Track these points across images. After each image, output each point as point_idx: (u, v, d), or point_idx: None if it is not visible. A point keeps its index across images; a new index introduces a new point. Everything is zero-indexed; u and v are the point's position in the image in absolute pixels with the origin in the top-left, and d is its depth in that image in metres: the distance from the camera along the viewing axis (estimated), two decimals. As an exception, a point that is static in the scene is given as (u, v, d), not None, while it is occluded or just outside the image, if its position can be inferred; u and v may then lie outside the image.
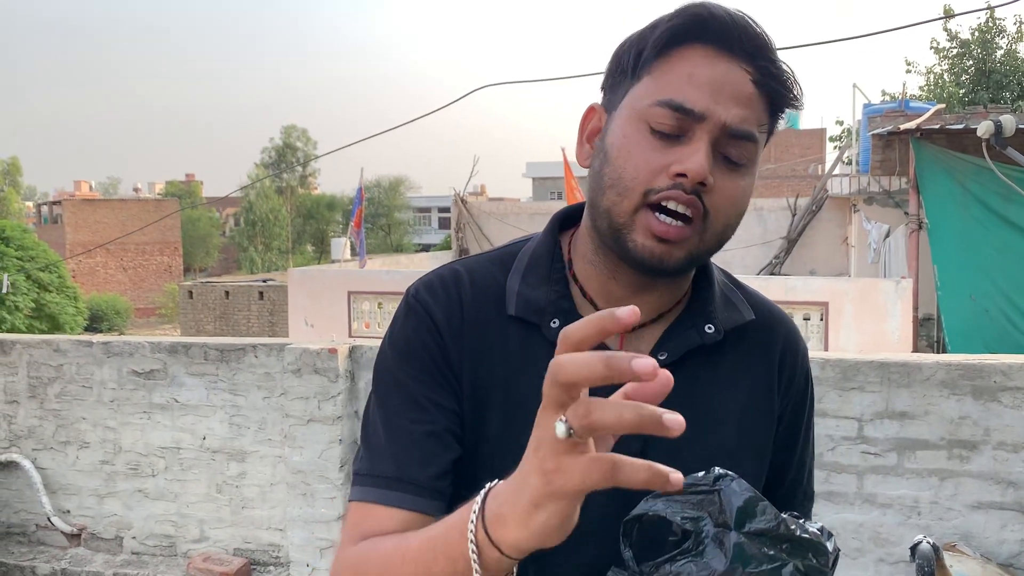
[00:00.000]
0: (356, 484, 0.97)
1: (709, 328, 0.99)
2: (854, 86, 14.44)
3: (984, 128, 2.89)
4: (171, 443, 4.45)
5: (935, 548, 1.71)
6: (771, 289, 9.05)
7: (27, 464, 4.59)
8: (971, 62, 19.68)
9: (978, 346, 8.35)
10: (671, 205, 0.89)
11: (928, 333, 10.85)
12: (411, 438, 0.96)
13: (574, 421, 0.62)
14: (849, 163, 15.80)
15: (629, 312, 0.62)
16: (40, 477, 4.59)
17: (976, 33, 19.64)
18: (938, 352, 10.26)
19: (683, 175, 0.87)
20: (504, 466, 0.96)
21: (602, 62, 1.03)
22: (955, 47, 19.82)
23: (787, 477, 1.08)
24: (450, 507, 0.98)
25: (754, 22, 0.91)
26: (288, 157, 49.31)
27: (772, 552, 0.77)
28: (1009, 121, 2.89)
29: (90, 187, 56.58)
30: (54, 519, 4.58)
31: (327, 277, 12.53)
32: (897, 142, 11.13)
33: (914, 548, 1.78)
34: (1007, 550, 3.45)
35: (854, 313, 9.62)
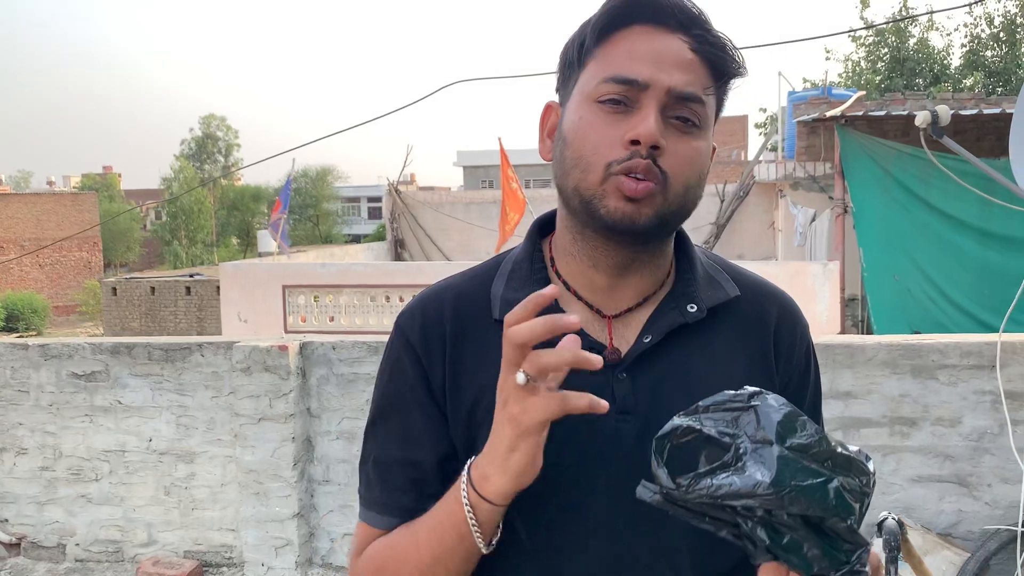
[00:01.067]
0: (360, 504, 1.08)
1: (691, 307, 1.02)
2: (779, 74, 14.80)
3: (922, 118, 3.00)
4: (115, 446, 4.34)
5: (900, 524, 1.79)
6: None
7: (-39, 473, 4.41)
8: (886, 50, 20.32)
9: (902, 325, 8.67)
10: (632, 174, 0.93)
11: (853, 313, 11.22)
12: (398, 466, 1.04)
13: (529, 368, 0.81)
14: (774, 149, 16.20)
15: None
16: (-25, 486, 4.42)
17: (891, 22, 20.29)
18: (863, 331, 10.63)
19: (636, 141, 0.92)
20: None
21: (551, 53, 1.09)
22: (871, 35, 20.45)
23: None
24: None
25: None
26: (209, 147, 48.13)
27: (816, 467, 0.74)
28: (944, 111, 3.00)
29: (0, 181, 54.17)
30: (-8, 529, 4.42)
31: (260, 271, 12.31)
32: (822, 128, 11.45)
33: (880, 524, 1.87)
34: (945, 520, 3.63)
35: (784, 295, 9.89)
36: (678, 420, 0.78)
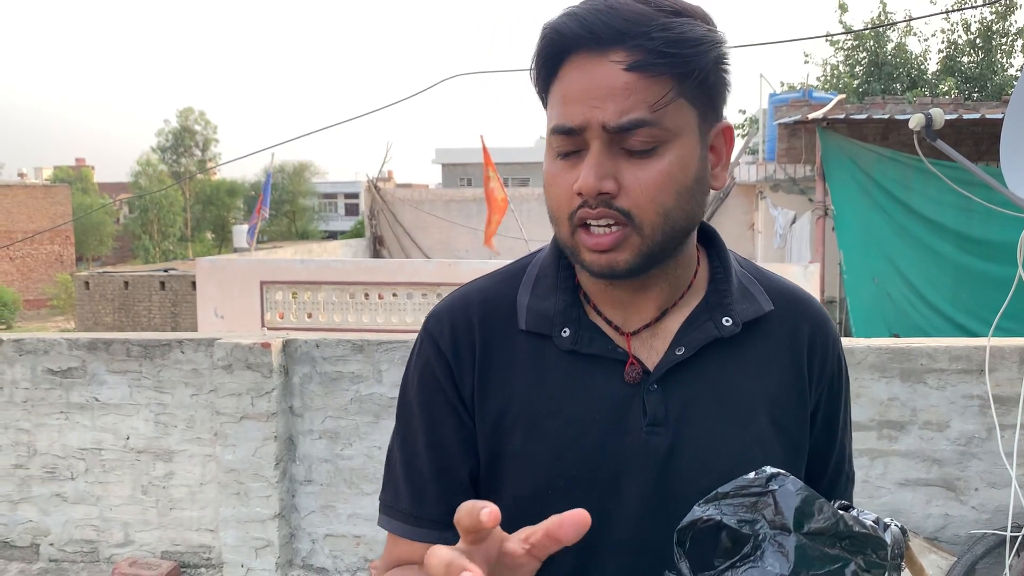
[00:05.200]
0: (383, 513, 1.06)
1: (727, 321, 0.99)
2: (761, 76, 14.85)
3: (915, 121, 2.98)
4: (92, 444, 4.24)
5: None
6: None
7: (-69, 471, 4.30)
8: (864, 54, 20.47)
9: (881, 327, 8.73)
10: (591, 222, 0.91)
11: (832, 315, 11.29)
12: (427, 475, 1.01)
13: None
14: (754, 152, 16.26)
15: (488, 516, 0.65)
16: (-55, 484, 4.31)
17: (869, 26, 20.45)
18: (841, 334, 10.69)
19: (581, 193, 0.90)
20: (526, 479, 0.97)
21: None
22: (850, 39, 20.60)
23: (830, 463, 1.10)
24: None
25: (615, 2, 0.88)
26: (187, 141, 47.61)
27: (833, 552, 0.76)
28: (939, 114, 2.99)
29: (-31, 172, 53.16)
30: (-38, 528, 4.31)
31: (238, 267, 12.16)
32: (803, 131, 11.50)
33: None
34: (932, 524, 3.63)
35: (764, 297, 9.92)
36: (699, 511, 0.78)
